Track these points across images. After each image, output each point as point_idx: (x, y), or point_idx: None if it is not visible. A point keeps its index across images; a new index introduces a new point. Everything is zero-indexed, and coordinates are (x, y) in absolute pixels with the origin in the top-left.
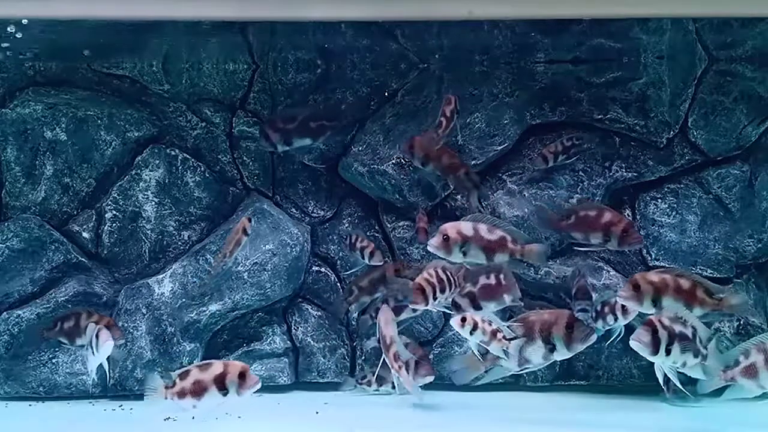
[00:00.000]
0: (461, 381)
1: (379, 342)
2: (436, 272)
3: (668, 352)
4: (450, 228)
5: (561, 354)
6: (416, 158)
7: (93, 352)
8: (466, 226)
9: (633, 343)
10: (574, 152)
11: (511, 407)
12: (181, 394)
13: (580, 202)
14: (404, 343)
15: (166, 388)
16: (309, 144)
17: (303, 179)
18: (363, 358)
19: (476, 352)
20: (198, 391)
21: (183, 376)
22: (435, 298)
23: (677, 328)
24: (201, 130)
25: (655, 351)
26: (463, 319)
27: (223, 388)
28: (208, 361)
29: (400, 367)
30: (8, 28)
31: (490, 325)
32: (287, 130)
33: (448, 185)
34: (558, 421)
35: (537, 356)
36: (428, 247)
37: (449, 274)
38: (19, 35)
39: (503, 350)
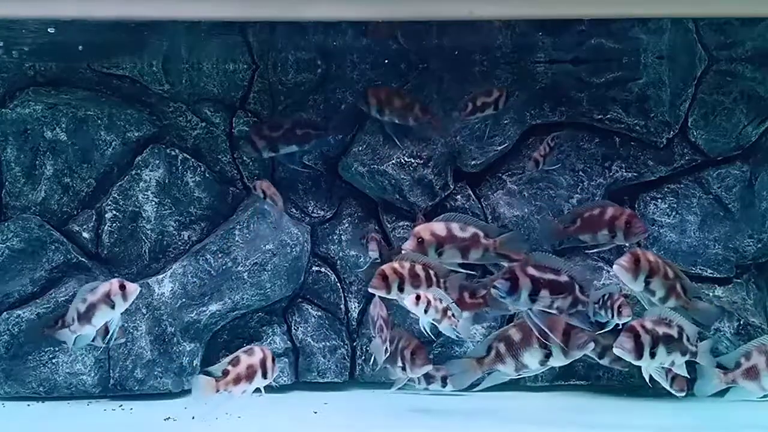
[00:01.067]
0: (458, 385)
1: (374, 324)
2: (412, 266)
3: (653, 355)
4: (423, 230)
5: (557, 360)
6: (372, 108)
7: (115, 307)
8: (438, 227)
9: (616, 350)
10: (556, 152)
11: (510, 407)
12: (237, 381)
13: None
14: (398, 336)
15: (217, 381)
16: (295, 151)
17: (303, 179)
18: (363, 358)
19: (427, 330)
20: (249, 375)
21: (234, 362)
22: (402, 290)
23: (661, 329)
24: (201, 130)
25: (639, 356)
26: (418, 297)
27: (264, 374)
28: (248, 347)
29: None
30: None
31: (441, 303)
32: (273, 137)
33: (448, 185)
34: (558, 421)
35: (534, 362)
36: (403, 251)
37: (429, 272)
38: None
39: (453, 329)
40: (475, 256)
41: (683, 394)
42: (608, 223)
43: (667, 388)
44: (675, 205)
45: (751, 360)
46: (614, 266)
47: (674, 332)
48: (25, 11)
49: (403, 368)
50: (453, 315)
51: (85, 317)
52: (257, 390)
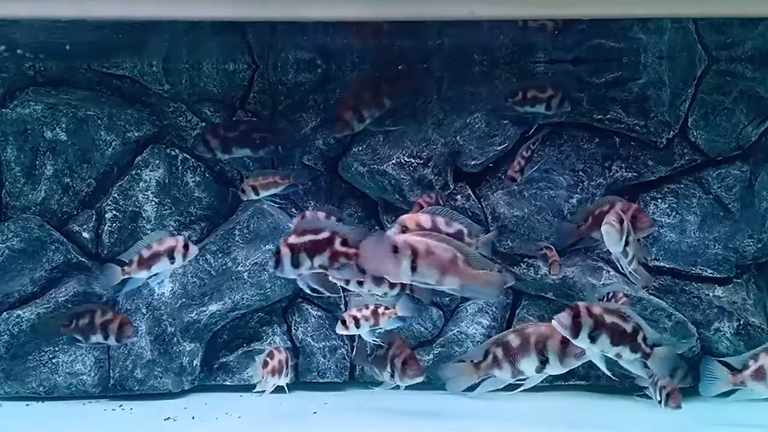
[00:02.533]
0: (454, 389)
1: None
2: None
3: (592, 339)
4: (408, 219)
5: (554, 368)
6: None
7: (174, 262)
8: (424, 218)
9: (554, 322)
10: (537, 157)
11: (510, 408)
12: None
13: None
14: (390, 341)
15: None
16: (248, 155)
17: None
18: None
19: (371, 340)
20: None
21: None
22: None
23: (610, 319)
24: (201, 130)
25: (575, 334)
26: (343, 322)
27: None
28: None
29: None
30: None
31: (368, 308)
32: (227, 138)
33: (448, 185)
34: (558, 421)
35: (530, 368)
36: None
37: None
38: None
39: (397, 318)
40: None
41: (679, 409)
42: None
43: (608, 374)
44: (675, 205)
45: (759, 361)
46: (552, 321)
47: (627, 328)
48: (25, 11)
49: (392, 375)
50: (386, 309)
51: (144, 263)
52: (259, 392)
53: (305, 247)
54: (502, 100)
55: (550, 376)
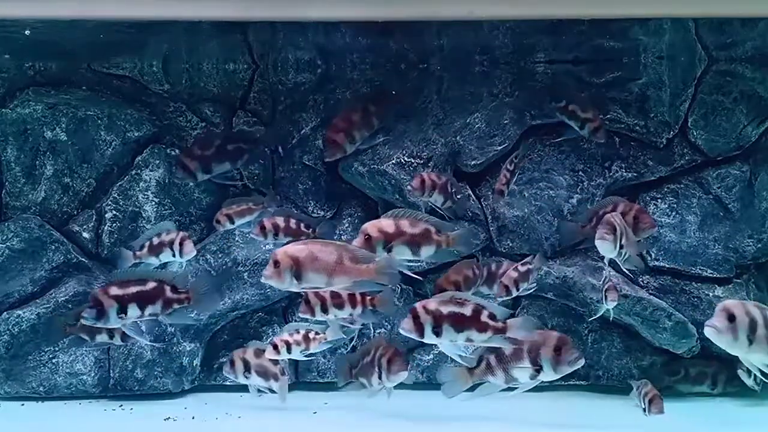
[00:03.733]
0: (450, 394)
1: None
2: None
3: (437, 333)
4: (370, 226)
5: (548, 376)
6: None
7: (175, 255)
8: (386, 223)
9: (400, 329)
10: (521, 167)
11: (510, 408)
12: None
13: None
14: (375, 345)
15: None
16: (228, 169)
17: (303, 179)
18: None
19: (303, 358)
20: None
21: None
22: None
23: (447, 309)
24: (201, 130)
25: (421, 335)
26: (275, 347)
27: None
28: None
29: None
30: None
31: (299, 332)
32: (205, 156)
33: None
34: (558, 421)
35: (524, 375)
36: None
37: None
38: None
39: (326, 342)
40: (428, 253)
41: (661, 414)
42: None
43: (460, 362)
44: (675, 205)
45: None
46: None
47: (466, 311)
48: (25, 11)
49: (380, 376)
50: (316, 333)
51: (154, 250)
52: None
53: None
54: (548, 100)
55: None
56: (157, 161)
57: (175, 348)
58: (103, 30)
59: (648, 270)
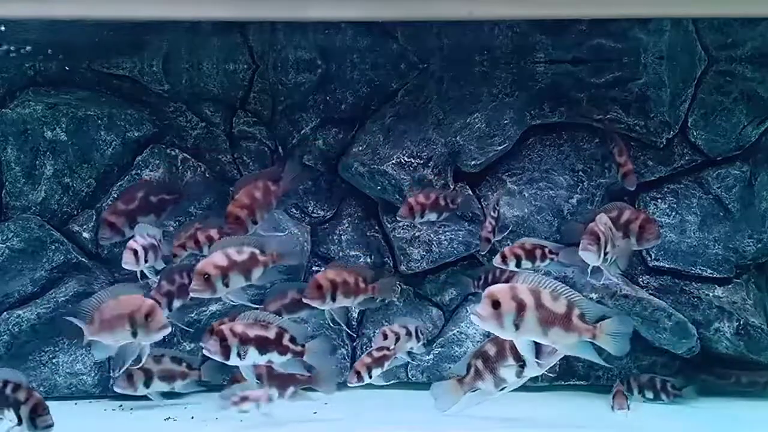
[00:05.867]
0: (443, 408)
1: None
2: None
3: (240, 355)
4: (206, 265)
5: (531, 370)
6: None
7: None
8: (218, 258)
9: (204, 352)
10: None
11: (510, 407)
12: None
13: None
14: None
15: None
16: (154, 221)
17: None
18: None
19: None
20: None
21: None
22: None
23: (253, 332)
24: (201, 130)
25: (227, 357)
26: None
27: None
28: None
29: None
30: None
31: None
32: (130, 211)
33: (448, 185)
34: (558, 421)
35: (510, 374)
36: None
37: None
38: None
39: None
40: (257, 275)
41: (624, 410)
42: (623, 226)
43: None
44: (675, 205)
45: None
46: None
47: (270, 334)
48: (25, 11)
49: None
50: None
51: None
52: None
53: None
54: (610, 145)
55: (548, 376)
56: (158, 161)
57: (175, 348)
58: (103, 30)
59: (648, 270)
